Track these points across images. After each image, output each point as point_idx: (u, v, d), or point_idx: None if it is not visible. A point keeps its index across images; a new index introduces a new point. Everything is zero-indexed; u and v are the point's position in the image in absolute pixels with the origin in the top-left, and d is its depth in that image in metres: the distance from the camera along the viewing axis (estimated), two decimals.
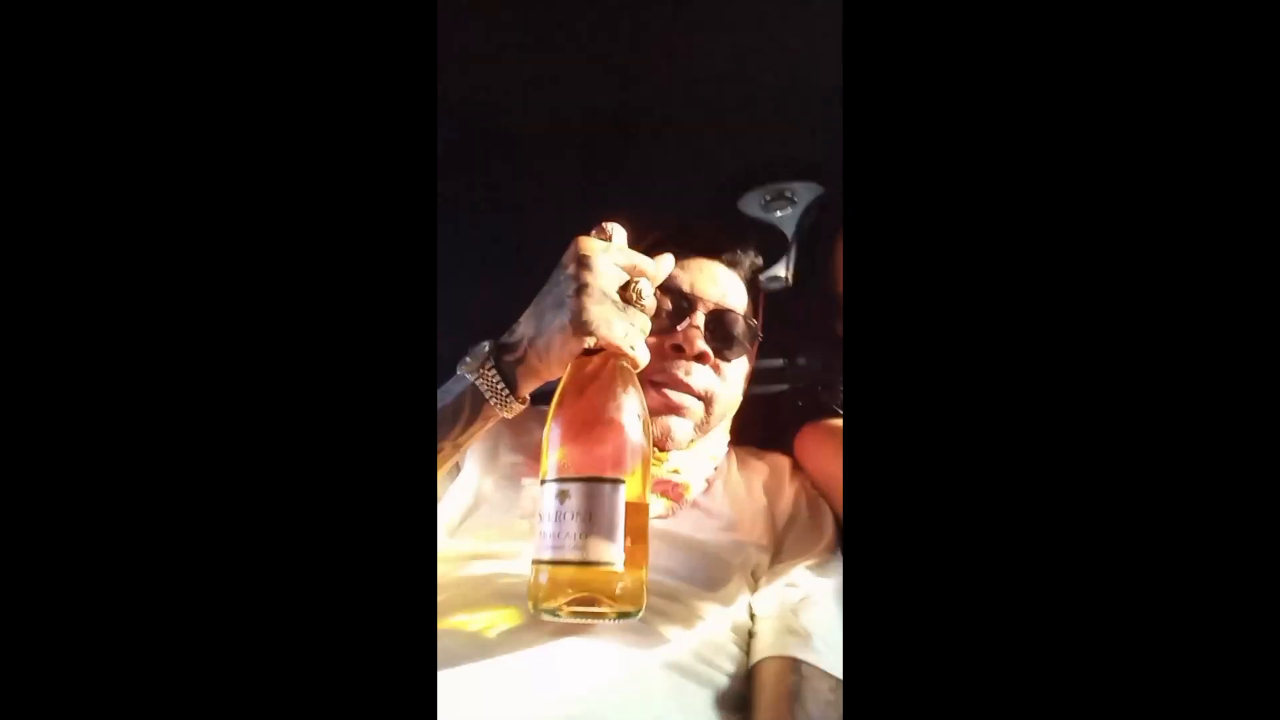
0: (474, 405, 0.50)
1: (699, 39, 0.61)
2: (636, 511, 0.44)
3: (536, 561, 0.44)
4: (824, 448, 0.75)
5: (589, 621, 0.44)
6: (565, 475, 0.44)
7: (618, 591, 0.43)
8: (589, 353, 0.47)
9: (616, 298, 0.46)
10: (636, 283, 0.47)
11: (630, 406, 0.46)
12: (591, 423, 0.46)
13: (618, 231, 0.49)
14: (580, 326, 0.44)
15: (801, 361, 0.99)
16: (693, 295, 0.69)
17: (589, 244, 0.47)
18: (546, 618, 0.44)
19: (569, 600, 0.43)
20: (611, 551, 0.42)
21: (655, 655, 0.56)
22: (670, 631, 0.58)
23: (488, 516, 0.65)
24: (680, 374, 0.67)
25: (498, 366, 0.50)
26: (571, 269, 0.46)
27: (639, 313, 0.47)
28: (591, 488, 0.43)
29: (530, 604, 0.44)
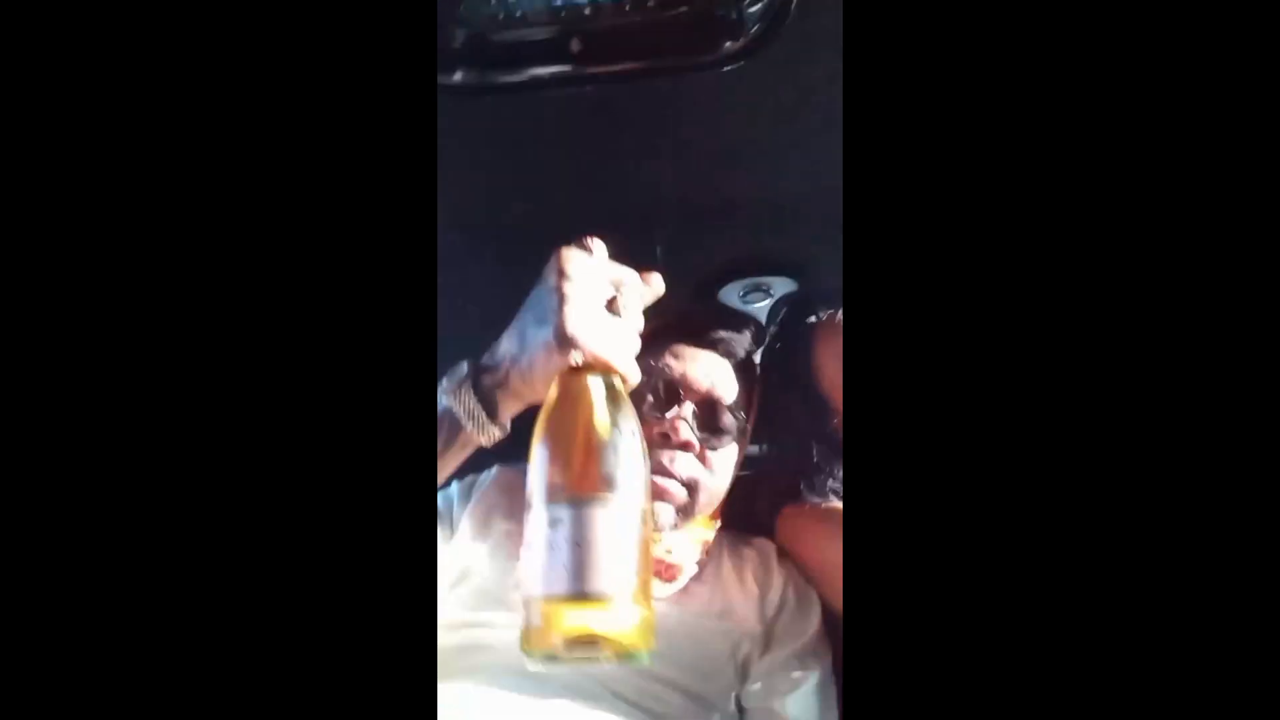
0: (450, 430, 0.46)
1: (689, 140, 0.66)
2: (641, 538, 0.39)
3: (528, 599, 0.38)
4: (808, 532, 0.76)
5: (589, 664, 0.39)
6: (557, 498, 0.39)
7: (622, 626, 0.37)
8: (574, 371, 0.43)
9: (603, 310, 0.44)
10: (623, 295, 0.45)
11: (626, 424, 0.42)
12: (585, 440, 0.40)
13: (597, 246, 0.46)
14: (566, 340, 0.41)
15: (766, 449, 1.02)
16: (683, 384, 0.71)
17: (572, 254, 0.44)
18: (541, 667, 0.39)
19: (568, 639, 0.37)
20: (612, 581, 0.37)
21: None
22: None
23: (479, 586, 0.65)
24: (665, 461, 0.68)
25: (476, 389, 0.46)
26: (554, 279, 0.43)
27: (626, 327, 0.44)
28: (586, 511, 0.38)
29: (523, 650, 0.39)
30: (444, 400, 0.46)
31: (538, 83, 0.59)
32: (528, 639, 0.38)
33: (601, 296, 0.44)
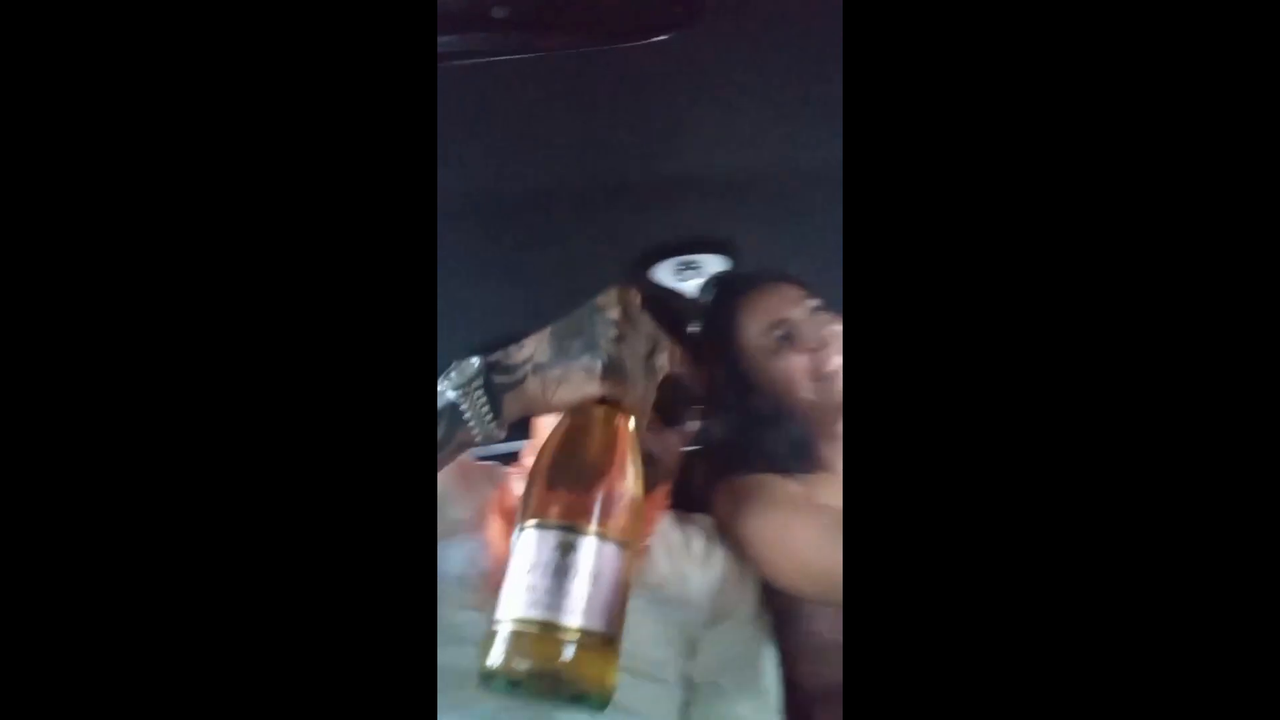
0: (450, 427, 0.45)
1: (618, 116, 0.65)
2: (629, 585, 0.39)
3: (519, 620, 0.36)
4: (743, 505, 0.78)
5: (550, 700, 0.38)
6: (578, 527, 0.38)
7: (605, 667, 0.37)
8: (597, 404, 0.44)
9: (643, 360, 0.46)
10: (659, 353, 0.47)
11: (638, 473, 0.42)
12: (617, 479, 0.40)
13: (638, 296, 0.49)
14: (613, 373, 0.44)
15: (698, 424, 1.03)
16: None
17: (632, 296, 0.47)
18: (503, 691, 0.37)
19: (546, 670, 0.36)
20: (614, 622, 0.37)
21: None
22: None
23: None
24: None
25: (486, 387, 0.46)
26: (615, 313, 0.46)
27: (654, 383, 0.47)
28: (604, 547, 0.37)
29: (487, 668, 0.37)
30: (450, 395, 0.45)
31: (454, 53, 0.57)
32: (503, 662, 0.36)
33: (645, 347, 0.47)
